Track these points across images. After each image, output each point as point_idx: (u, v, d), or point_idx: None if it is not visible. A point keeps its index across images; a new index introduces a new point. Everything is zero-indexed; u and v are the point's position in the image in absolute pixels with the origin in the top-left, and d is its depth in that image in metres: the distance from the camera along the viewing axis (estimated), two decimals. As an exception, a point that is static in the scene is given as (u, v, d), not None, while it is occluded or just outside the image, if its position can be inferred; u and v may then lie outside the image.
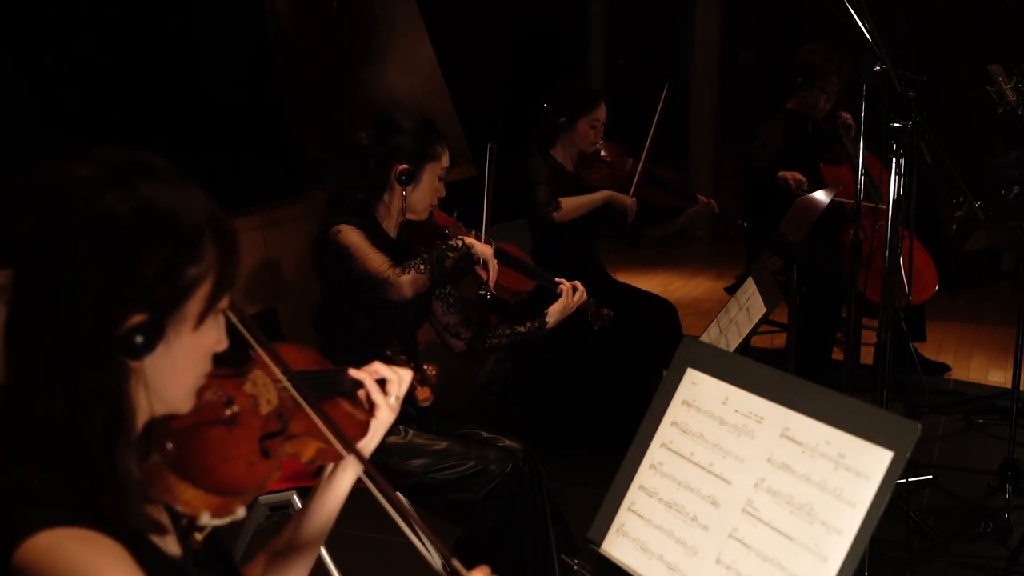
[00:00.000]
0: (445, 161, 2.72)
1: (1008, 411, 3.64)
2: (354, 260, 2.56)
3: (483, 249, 2.74)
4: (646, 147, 4.18)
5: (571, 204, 4.01)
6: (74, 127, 4.27)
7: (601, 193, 4.07)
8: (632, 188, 4.13)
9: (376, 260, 2.56)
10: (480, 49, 7.52)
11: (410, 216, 2.74)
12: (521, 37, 8.08)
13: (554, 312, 2.97)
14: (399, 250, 2.69)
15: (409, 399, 1.53)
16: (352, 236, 2.57)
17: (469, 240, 2.71)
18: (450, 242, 2.68)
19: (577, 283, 3.06)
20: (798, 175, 4.39)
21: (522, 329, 2.90)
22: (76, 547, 1.04)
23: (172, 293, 1.10)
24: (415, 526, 1.27)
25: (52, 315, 1.07)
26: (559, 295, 3.00)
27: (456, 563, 1.23)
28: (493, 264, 2.75)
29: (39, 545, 1.03)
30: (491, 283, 2.76)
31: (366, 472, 1.30)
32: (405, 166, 2.65)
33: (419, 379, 1.58)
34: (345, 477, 1.43)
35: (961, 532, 3.39)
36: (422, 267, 2.58)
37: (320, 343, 2.74)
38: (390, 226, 2.72)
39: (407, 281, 2.56)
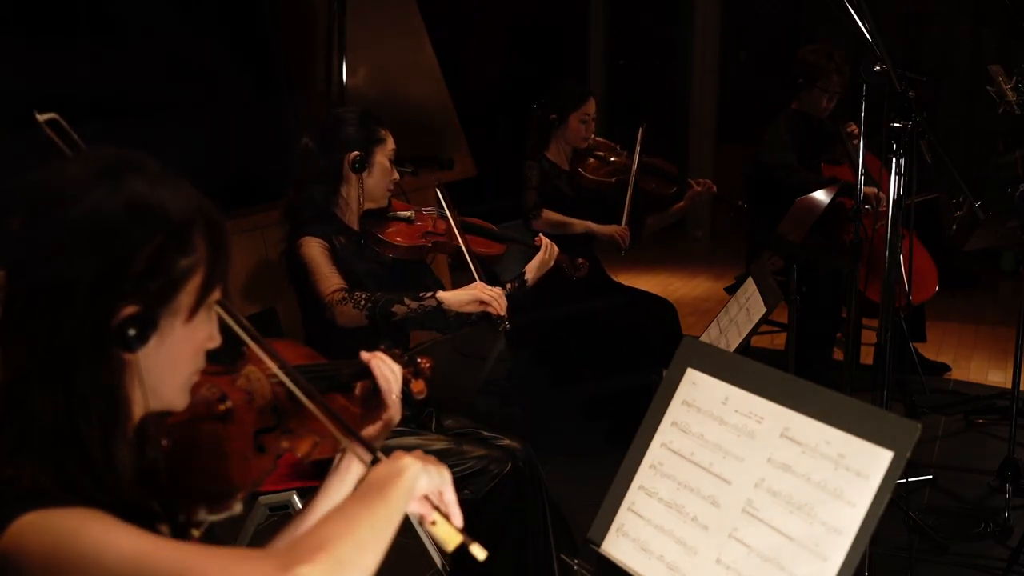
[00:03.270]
0: (391, 143, 2.76)
1: (1008, 411, 3.64)
2: (310, 276, 2.60)
3: (469, 296, 2.68)
4: (632, 178, 4.16)
5: (550, 218, 4.07)
6: (73, 127, 4.27)
7: (581, 223, 4.11)
8: (628, 192, 4.14)
9: (326, 282, 2.58)
10: (480, 49, 7.53)
11: (369, 205, 2.76)
12: (521, 37, 8.09)
13: (532, 268, 3.08)
14: (365, 245, 2.75)
15: (403, 393, 1.52)
16: (313, 251, 2.61)
17: (441, 295, 2.66)
18: (423, 301, 2.62)
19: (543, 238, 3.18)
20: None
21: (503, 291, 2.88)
22: (59, 518, 1.03)
23: (163, 285, 1.10)
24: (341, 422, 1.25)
25: (46, 311, 1.08)
26: (536, 251, 3.11)
27: (381, 455, 1.22)
28: (494, 294, 2.71)
29: (22, 526, 1.02)
30: (502, 313, 2.71)
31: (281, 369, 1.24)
32: (356, 153, 2.69)
33: (413, 372, 1.58)
34: (349, 475, 1.41)
35: (961, 532, 3.39)
36: (363, 303, 2.57)
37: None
38: (352, 220, 2.76)
39: (342, 312, 2.56)
